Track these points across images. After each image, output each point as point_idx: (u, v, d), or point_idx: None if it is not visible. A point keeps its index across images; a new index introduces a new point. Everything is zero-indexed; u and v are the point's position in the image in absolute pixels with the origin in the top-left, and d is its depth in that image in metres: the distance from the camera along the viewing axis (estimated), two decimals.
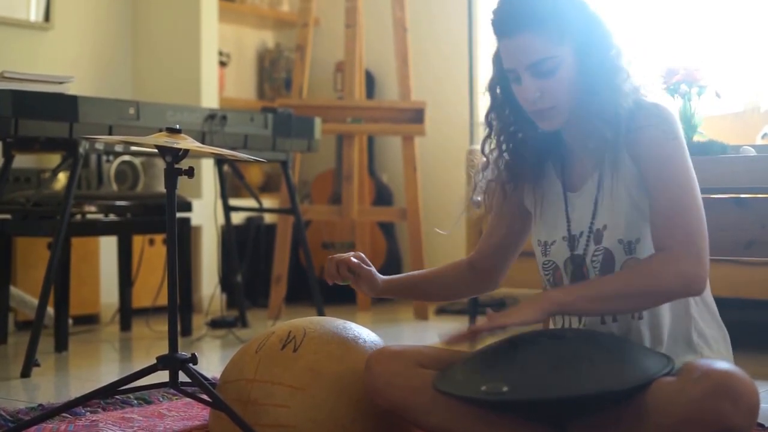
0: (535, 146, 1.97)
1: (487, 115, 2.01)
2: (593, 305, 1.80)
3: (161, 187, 4.23)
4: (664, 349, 1.86)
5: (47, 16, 4.62)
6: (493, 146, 2.00)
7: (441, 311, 4.80)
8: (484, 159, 2.03)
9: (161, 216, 3.79)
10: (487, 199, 2.05)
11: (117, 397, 2.55)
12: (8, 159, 3.43)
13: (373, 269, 2.12)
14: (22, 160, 4.22)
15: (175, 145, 2.04)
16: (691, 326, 1.88)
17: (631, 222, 1.86)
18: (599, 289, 1.80)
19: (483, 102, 3.57)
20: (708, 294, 1.93)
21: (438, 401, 1.86)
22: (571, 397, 1.68)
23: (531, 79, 1.83)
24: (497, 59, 1.92)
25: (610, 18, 1.88)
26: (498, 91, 1.96)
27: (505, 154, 1.99)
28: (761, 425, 2.22)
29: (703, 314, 1.90)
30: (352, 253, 2.12)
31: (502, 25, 1.84)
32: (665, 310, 1.87)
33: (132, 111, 3.36)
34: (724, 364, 1.68)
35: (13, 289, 3.89)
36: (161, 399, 2.64)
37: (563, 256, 1.95)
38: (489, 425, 1.85)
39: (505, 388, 1.71)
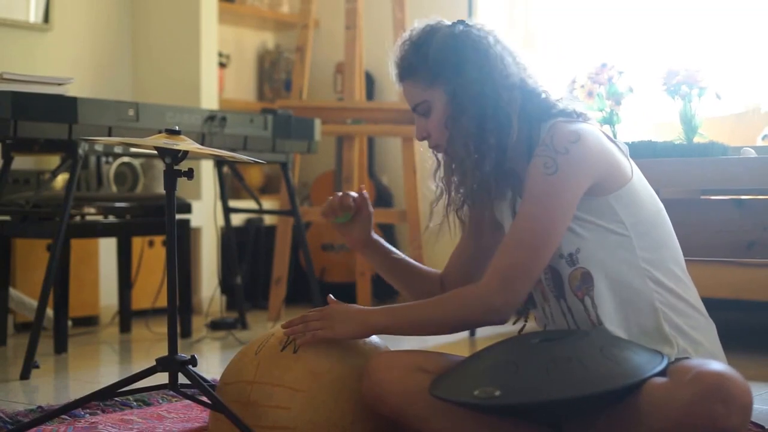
0: (487, 171, 2.00)
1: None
2: (410, 330, 1.96)
3: (161, 189, 4.22)
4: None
5: (46, 18, 4.62)
6: (443, 174, 2.06)
7: None
8: (438, 188, 2.08)
9: (161, 217, 3.79)
10: (448, 222, 2.09)
11: (116, 399, 2.55)
12: (7, 160, 3.42)
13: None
14: (22, 162, 4.22)
15: (175, 147, 2.04)
16: (660, 318, 1.87)
17: (565, 235, 1.89)
18: (415, 316, 1.95)
19: None
20: (685, 284, 1.94)
21: (437, 407, 1.86)
22: (563, 399, 1.68)
23: (418, 119, 2.02)
24: None
25: (507, 47, 1.98)
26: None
27: (455, 180, 2.04)
28: (761, 426, 2.21)
29: (675, 305, 1.90)
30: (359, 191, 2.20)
31: (394, 74, 2.05)
32: (626, 312, 1.88)
33: (131, 112, 3.35)
34: (715, 364, 1.67)
35: (12, 291, 3.88)
36: (161, 401, 2.64)
37: None
38: (488, 429, 1.85)
39: (497, 392, 1.72)
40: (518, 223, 1.88)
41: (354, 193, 2.21)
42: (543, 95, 1.97)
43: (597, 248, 1.88)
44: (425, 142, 2.06)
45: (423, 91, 1.98)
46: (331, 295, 2.10)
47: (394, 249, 2.24)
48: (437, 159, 2.07)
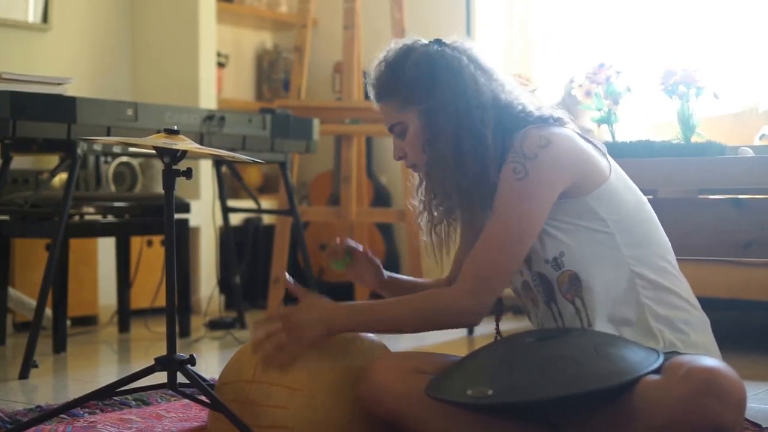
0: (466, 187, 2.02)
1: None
2: (379, 329, 2.00)
3: (159, 189, 4.22)
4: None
5: (45, 17, 4.62)
6: (423, 192, 2.09)
7: None
8: (420, 203, 2.10)
9: (159, 217, 3.79)
10: (435, 238, 2.10)
11: (115, 398, 2.55)
12: (6, 160, 3.42)
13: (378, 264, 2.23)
14: (20, 162, 4.22)
15: (174, 147, 2.05)
16: (645, 313, 1.89)
17: (547, 240, 1.91)
18: (387, 315, 1.95)
19: None
20: (674, 276, 1.95)
21: (434, 408, 1.86)
22: (556, 398, 1.69)
23: (395, 139, 2.05)
24: None
25: (482, 65, 1.99)
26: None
27: (434, 201, 2.06)
28: (757, 425, 2.21)
29: (663, 298, 1.91)
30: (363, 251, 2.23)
31: (371, 94, 2.07)
32: (613, 309, 1.89)
33: (130, 112, 3.36)
34: (708, 360, 1.68)
35: (11, 291, 3.88)
36: (159, 400, 2.64)
37: (518, 281, 2.02)
38: (487, 430, 1.85)
39: (490, 392, 1.72)
40: (489, 227, 1.90)
41: (351, 242, 2.24)
42: (520, 107, 1.98)
43: (581, 249, 1.89)
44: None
45: (397, 113, 2.01)
46: (290, 280, 2.10)
47: (407, 278, 2.28)
48: (418, 176, 2.09)
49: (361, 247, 2.24)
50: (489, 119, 1.95)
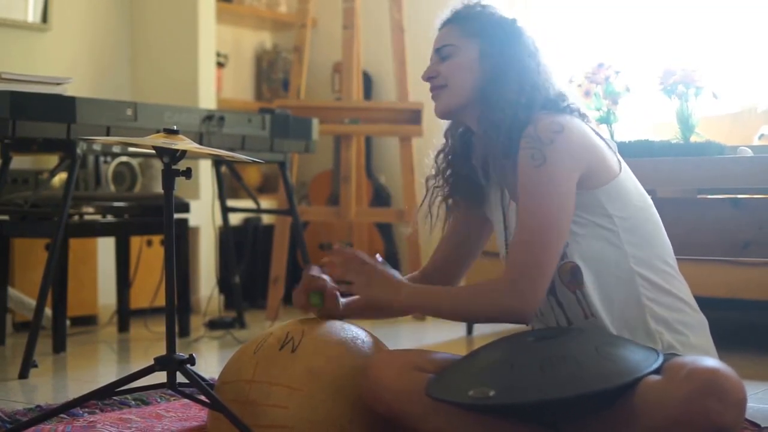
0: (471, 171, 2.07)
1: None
2: (434, 314, 2.00)
3: (159, 188, 4.23)
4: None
5: (45, 17, 4.62)
6: (441, 158, 2.15)
7: None
8: (433, 169, 2.14)
9: (159, 217, 3.80)
10: (436, 214, 2.13)
11: (115, 398, 2.55)
12: (6, 160, 3.43)
13: (338, 297, 2.17)
14: (20, 162, 4.22)
15: (173, 146, 2.05)
16: (645, 314, 1.89)
17: None
18: (439, 302, 1.97)
19: None
20: (675, 278, 1.95)
21: (435, 407, 1.86)
22: (557, 399, 1.69)
23: (435, 60, 2.06)
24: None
25: (534, 39, 2.06)
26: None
27: (449, 177, 2.12)
28: (756, 425, 2.22)
29: (663, 300, 1.91)
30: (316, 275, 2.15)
31: (439, 23, 2.10)
32: (613, 306, 1.90)
33: (130, 112, 3.36)
34: (709, 361, 1.68)
35: (11, 291, 3.88)
36: (159, 400, 2.64)
37: None
38: (486, 429, 1.85)
39: (491, 393, 1.72)
40: (522, 222, 1.88)
41: (315, 273, 2.16)
42: (554, 92, 2.01)
43: (585, 242, 1.90)
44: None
45: (458, 38, 2.02)
46: (379, 256, 2.08)
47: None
48: (446, 139, 2.14)
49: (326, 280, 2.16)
50: (531, 91, 1.98)
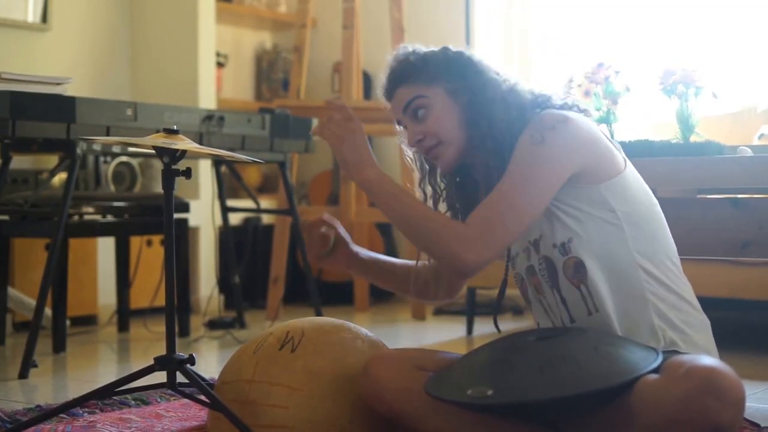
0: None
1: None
2: (382, 206, 1.95)
3: (159, 188, 4.23)
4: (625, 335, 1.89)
5: (45, 17, 4.62)
6: (438, 179, 2.12)
7: (439, 312, 4.81)
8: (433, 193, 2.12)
9: (159, 217, 3.80)
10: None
11: (115, 397, 2.55)
12: (6, 160, 3.43)
13: (348, 240, 2.19)
14: (20, 162, 4.22)
15: (173, 146, 2.05)
16: (649, 310, 1.89)
17: (557, 225, 1.91)
18: (399, 201, 1.93)
19: None
20: (678, 277, 1.95)
21: (434, 406, 1.86)
22: (554, 399, 1.68)
23: (411, 123, 2.02)
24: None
25: (473, 54, 2.03)
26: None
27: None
28: (756, 424, 2.22)
29: (666, 297, 1.91)
30: (324, 221, 2.17)
31: (384, 91, 2.07)
32: (618, 301, 1.90)
33: (129, 112, 3.36)
34: (707, 359, 1.68)
35: (11, 291, 3.89)
36: (159, 400, 2.64)
37: (524, 266, 2.01)
38: (486, 428, 1.85)
39: (489, 392, 1.72)
40: (500, 186, 1.88)
41: (323, 226, 2.18)
42: (536, 92, 2.01)
43: (589, 237, 1.90)
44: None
45: (421, 89, 2.00)
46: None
47: (378, 256, 2.24)
48: (422, 164, 2.11)
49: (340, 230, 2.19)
50: (515, 99, 1.98)
